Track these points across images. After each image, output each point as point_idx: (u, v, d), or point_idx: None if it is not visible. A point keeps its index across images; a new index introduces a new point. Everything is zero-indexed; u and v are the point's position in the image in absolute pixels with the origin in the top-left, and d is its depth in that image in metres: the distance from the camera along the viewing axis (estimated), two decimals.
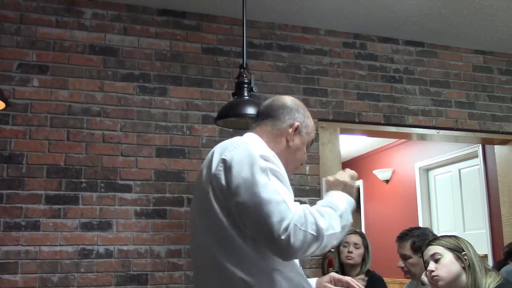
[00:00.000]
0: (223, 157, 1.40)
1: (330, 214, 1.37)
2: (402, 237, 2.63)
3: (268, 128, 1.57)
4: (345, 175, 1.55)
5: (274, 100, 1.65)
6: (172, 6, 3.28)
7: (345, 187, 1.51)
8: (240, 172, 1.34)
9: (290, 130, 1.56)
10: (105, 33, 3.16)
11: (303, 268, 1.52)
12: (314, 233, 1.29)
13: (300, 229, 1.26)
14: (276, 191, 1.31)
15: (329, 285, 1.67)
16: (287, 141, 1.56)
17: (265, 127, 1.58)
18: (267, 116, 1.60)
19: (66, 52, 3.07)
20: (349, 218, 1.43)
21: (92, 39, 3.13)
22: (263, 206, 1.28)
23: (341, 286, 1.69)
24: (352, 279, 1.68)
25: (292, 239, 1.25)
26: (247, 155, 1.37)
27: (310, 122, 1.63)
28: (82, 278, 2.86)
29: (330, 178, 1.55)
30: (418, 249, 2.42)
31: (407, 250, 2.56)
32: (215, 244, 1.39)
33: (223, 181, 1.37)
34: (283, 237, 1.25)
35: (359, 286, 1.64)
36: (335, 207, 1.41)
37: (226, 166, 1.38)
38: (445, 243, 1.98)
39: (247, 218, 1.33)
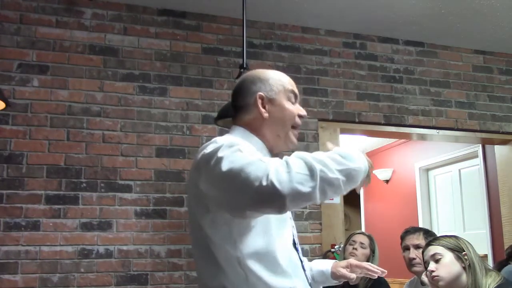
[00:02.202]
0: (197, 159, 1.37)
1: (331, 157, 1.22)
2: (414, 228, 2.76)
3: (244, 117, 1.50)
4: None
5: (233, 90, 1.57)
6: (172, 6, 3.28)
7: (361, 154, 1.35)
8: (209, 166, 1.29)
9: (257, 105, 1.47)
10: (105, 33, 3.16)
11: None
12: (305, 172, 1.16)
13: (285, 171, 1.15)
14: (247, 157, 1.22)
15: (342, 270, 1.63)
16: (262, 115, 1.46)
17: (242, 117, 1.51)
18: (236, 108, 1.54)
19: (66, 52, 3.07)
20: (356, 177, 1.26)
21: (92, 39, 3.13)
22: (236, 177, 1.20)
23: (360, 273, 1.67)
24: (371, 264, 1.65)
25: (276, 183, 1.13)
26: (212, 150, 1.31)
27: (274, 81, 1.50)
28: (82, 278, 2.86)
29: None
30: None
31: (421, 239, 2.64)
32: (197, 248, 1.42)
33: (197, 184, 1.34)
34: (264, 183, 1.14)
35: (379, 270, 1.62)
36: (344, 154, 1.25)
37: (198, 167, 1.35)
38: (445, 243, 1.98)
39: (226, 202, 1.27)
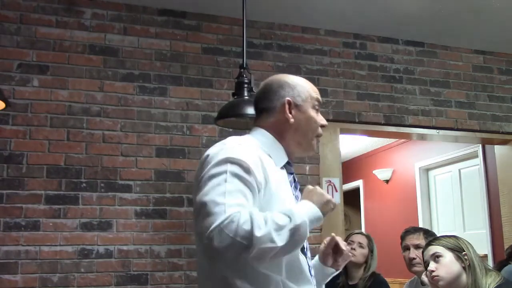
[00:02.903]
0: (201, 161, 1.41)
1: (278, 225, 1.24)
2: (414, 228, 2.76)
3: (268, 120, 1.52)
4: (328, 194, 1.41)
5: (258, 92, 1.59)
6: (172, 6, 3.28)
7: (319, 199, 1.37)
8: (204, 171, 1.34)
9: (284, 109, 1.49)
10: (105, 33, 3.16)
11: None
12: (243, 242, 1.19)
13: (227, 234, 1.19)
14: (222, 194, 1.26)
15: (322, 246, 1.65)
16: (287, 120, 1.49)
17: (265, 119, 1.53)
18: (259, 110, 1.55)
19: (66, 52, 3.07)
20: (302, 234, 1.27)
21: (92, 39, 3.13)
22: (202, 208, 1.26)
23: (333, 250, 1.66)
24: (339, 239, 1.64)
25: (215, 243, 1.19)
26: (214, 154, 1.36)
27: (302, 88, 1.54)
28: (82, 278, 2.86)
29: (310, 186, 1.43)
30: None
31: (421, 239, 2.64)
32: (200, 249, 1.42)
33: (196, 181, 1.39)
34: (206, 240, 1.21)
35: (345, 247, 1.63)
36: (292, 217, 1.26)
37: (200, 163, 1.40)
38: (445, 243, 1.98)
39: (194, 214, 1.33)
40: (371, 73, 3.69)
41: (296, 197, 1.50)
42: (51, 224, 2.87)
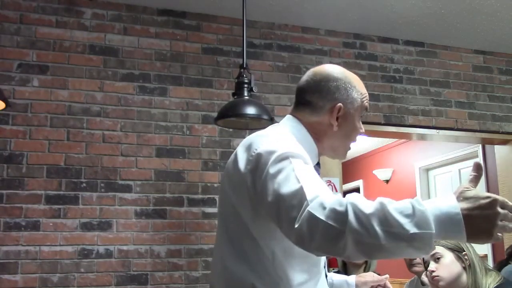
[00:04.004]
0: (249, 157, 1.24)
1: (390, 219, 0.97)
2: None
3: (309, 116, 1.36)
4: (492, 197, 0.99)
5: (310, 81, 1.40)
6: (172, 6, 3.28)
7: (473, 204, 0.97)
8: (262, 171, 1.18)
9: (333, 114, 1.33)
10: (105, 33, 3.16)
11: None
12: (335, 224, 0.99)
13: (318, 217, 1.00)
14: (295, 182, 1.09)
15: (369, 277, 1.64)
16: (331, 126, 1.34)
17: (308, 115, 1.36)
18: (304, 102, 1.38)
19: (66, 52, 3.07)
20: (416, 246, 0.96)
21: (92, 39, 3.13)
22: (280, 204, 1.10)
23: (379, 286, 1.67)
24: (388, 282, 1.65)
25: (304, 227, 1.01)
26: (268, 151, 1.19)
27: (357, 93, 1.36)
28: (82, 278, 2.86)
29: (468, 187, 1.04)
30: None
31: None
32: (231, 251, 1.28)
33: (249, 183, 1.22)
34: (296, 225, 1.03)
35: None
36: (423, 221, 0.95)
37: (253, 167, 1.21)
38: (445, 243, 1.98)
39: (273, 218, 1.16)
40: (371, 73, 3.69)
41: None
42: (51, 224, 2.87)
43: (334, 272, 2.78)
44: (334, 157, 1.46)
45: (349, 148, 1.43)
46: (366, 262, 3.04)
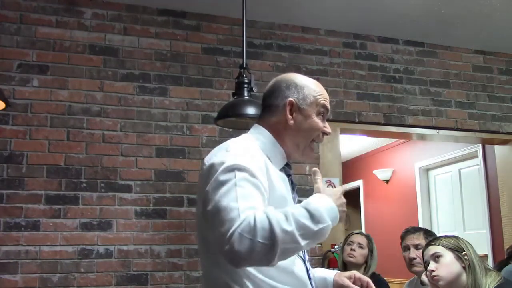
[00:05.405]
0: (204, 167, 1.38)
1: (300, 224, 1.20)
2: (414, 228, 2.77)
3: (270, 118, 1.49)
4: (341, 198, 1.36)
5: (267, 88, 1.56)
6: (172, 6, 3.28)
7: (337, 201, 1.32)
8: (210, 180, 1.30)
9: (286, 110, 1.46)
10: (105, 33, 3.16)
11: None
12: (265, 242, 1.15)
13: (246, 237, 1.15)
14: (234, 199, 1.22)
15: (347, 281, 1.60)
16: (287, 122, 1.46)
17: (268, 117, 1.50)
18: (264, 107, 1.53)
19: (66, 52, 3.07)
20: (321, 237, 1.25)
21: (92, 39, 3.13)
22: (216, 216, 1.23)
23: (360, 286, 1.64)
24: (371, 282, 1.60)
25: (236, 247, 1.15)
26: (219, 163, 1.31)
27: (309, 91, 1.49)
28: (82, 278, 2.86)
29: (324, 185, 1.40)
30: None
31: (421, 239, 2.66)
32: (204, 251, 1.43)
33: (203, 190, 1.34)
34: (227, 246, 1.17)
35: None
36: (320, 218, 1.23)
37: (204, 173, 1.36)
38: (445, 243, 1.98)
39: (208, 225, 1.30)
40: (371, 73, 3.69)
41: (294, 199, 1.49)
42: (51, 224, 2.87)
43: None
44: (302, 157, 1.54)
45: (313, 148, 1.53)
46: (366, 262, 3.04)
